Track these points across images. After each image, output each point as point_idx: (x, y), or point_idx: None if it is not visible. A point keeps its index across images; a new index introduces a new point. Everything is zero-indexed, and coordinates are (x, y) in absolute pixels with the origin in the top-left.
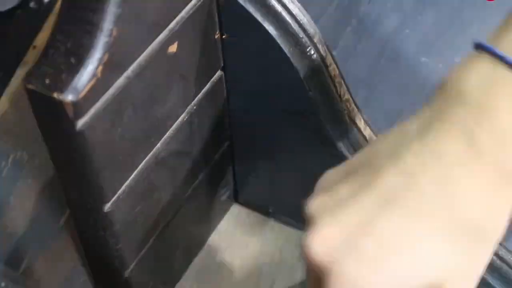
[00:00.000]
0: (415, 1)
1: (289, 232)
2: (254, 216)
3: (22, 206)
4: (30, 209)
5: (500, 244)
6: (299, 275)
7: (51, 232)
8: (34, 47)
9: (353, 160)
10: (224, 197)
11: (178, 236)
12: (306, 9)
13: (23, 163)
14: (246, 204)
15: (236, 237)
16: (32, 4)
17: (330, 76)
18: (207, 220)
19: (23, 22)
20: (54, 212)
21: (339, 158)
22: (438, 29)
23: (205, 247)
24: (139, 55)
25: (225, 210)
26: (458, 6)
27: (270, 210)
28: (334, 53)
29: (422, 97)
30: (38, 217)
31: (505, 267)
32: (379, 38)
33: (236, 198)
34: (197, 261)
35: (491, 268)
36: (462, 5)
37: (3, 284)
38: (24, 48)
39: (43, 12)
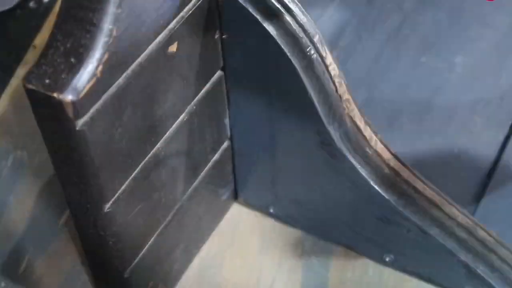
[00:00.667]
0: (415, 2)
1: (289, 232)
2: (254, 216)
3: (22, 206)
4: (30, 209)
5: (501, 244)
6: (299, 275)
7: (51, 232)
8: (34, 47)
9: None
10: (224, 197)
11: (178, 236)
12: (306, 9)
13: (23, 163)
14: (246, 204)
15: (236, 237)
16: (32, 4)
17: (330, 76)
18: (207, 219)
19: (23, 22)
20: (54, 212)
21: (339, 158)
22: (438, 30)
23: (206, 247)
24: (139, 55)
25: (225, 210)
26: (458, 7)
27: (271, 210)
28: (334, 53)
29: (422, 97)
30: (38, 217)
31: (505, 267)
32: (379, 38)
33: (236, 198)
34: (197, 261)
35: (492, 268)
36: (462, 5)
37: (3, 284)
38: (24, 48)
39: (43, 12)
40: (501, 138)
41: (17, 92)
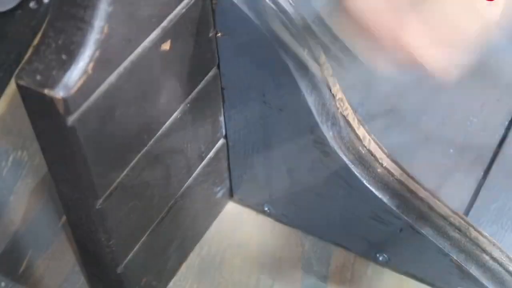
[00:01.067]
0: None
1: (289, 232)
2: (254, 215)
3: (22, 206)
4: (30, 209)
5: (494, 244)
6: (299, 275)
7: (51, 232)
8: (34, 47)
9: None
10: (219, 195)
11: (172, 233)
12: (303, 8)
13: (23, 163)
14: (242, 202)
15: (236, 237)
16: (32, 4)
17: (324, 76)
18: (202, 217)
19: (23, 22)
20: (54, 212)
21: (332, 157)
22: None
23: (206, 247)
24: (131, 52)
25: (221, 208)
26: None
27: (266, 209)
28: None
29: (419, 97)
30: (38, 217)
31: (497, 267)
32: None
33: (231, 196)
34: (197, 261)
35: (484, 268)
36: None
37: (3, 284)
38: (24, 48)
39: (44, 12)
40: (497, 139)
41: (17, 92)
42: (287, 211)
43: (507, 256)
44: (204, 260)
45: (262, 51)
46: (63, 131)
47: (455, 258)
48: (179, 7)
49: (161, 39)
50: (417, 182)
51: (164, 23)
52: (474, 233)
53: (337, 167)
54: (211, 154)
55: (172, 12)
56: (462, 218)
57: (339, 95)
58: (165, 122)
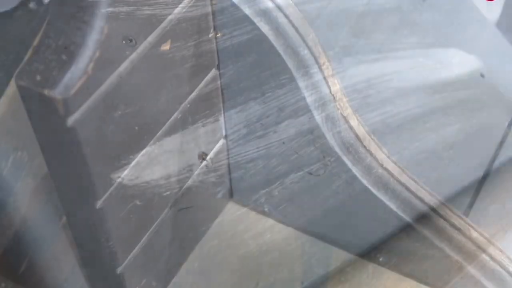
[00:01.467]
0: (414, 2)
1: (289, 232)
2: (254, 216)
3: (22, 206)
4: (30, 209)
5: (494, 245)
6: (299, 275)
7: (51, 232)
8: (34, 47)
9: None
10: (219, 196)
11: (172, 234)
12: (304, 9)
13: (23, 163)
14: (241, 202)
15: (236, 237)
16: (32, 5)
17: (324, 76)
18: (202, 218)
19: (23, 23)
20: (54, 213)
21: (332, 157)
22: (436, 30)
23: (206, 247)
24: (131, 53)
25: (221, 209)
26: (457, 7)
27: (265, 209)
28: (331, 53)
29: (419, 97)
30: (38, 217)
31: (497, 267)
32: (377, 38)
33: (232, 196)
34: (197, 261)
35: (484, 268)
36: (461, 6)
37: (3, 285)
38: (24, 49)
39: (43, 12)
40: (497, 139)
41: (17, 93)
42: (287, 211)
43: (507, 257)
44: (204, 260)
45: (262, 51)
46: (63, 131)
47: (455, 258)
48: (179, 7)
49: (161, 40)
50: (417, 183)
51: (164, 23)
52: (474, 234)
53: (337, 168)
54: (211, 154)
55: (172, 12)
56: (462, 219)
57: (339, 95)
58: (166, 122)
